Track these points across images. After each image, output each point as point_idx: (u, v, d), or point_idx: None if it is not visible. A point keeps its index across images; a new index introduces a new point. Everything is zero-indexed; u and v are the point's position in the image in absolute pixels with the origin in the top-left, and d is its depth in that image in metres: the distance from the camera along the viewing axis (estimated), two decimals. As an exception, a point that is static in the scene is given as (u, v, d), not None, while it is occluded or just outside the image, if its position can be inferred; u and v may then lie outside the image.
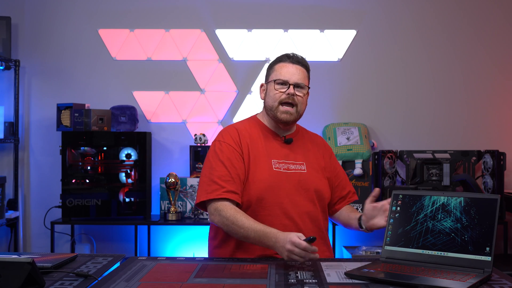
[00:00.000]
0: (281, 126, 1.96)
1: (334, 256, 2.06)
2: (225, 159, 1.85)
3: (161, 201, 3.41)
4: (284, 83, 1.90)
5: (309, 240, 1.54)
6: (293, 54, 1.96)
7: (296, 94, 1.89)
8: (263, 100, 2.00)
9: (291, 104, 1.90)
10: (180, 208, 3.37)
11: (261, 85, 2.01)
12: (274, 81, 1.92)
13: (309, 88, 1.96)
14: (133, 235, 3.36)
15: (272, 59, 2.04)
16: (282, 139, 1.97)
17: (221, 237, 1.89)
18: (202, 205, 1.87)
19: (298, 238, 1.56)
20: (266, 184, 1.85)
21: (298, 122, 2.05)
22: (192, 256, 2.27)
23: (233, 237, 1.81)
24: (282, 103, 1.90)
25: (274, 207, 1.85)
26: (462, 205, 1.54)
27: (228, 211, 1.76)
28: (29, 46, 3.61)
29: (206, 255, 1.99)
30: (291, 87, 1.88)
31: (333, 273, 1.52)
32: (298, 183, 1.89)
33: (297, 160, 1.94)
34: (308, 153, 1.99)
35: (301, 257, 1.55)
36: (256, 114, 2.06)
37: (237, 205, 1.83)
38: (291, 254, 1.57)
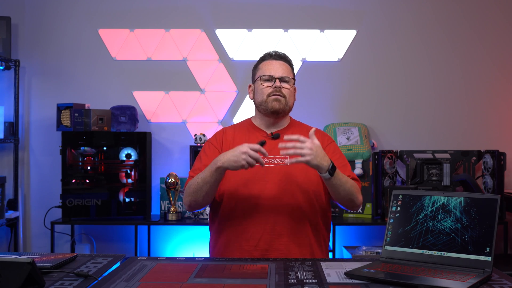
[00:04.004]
0: (272, 119, 1.99)
1: (329, 256, 2.05)
2: (203, 155, 2.00)
3: (161, 201, 3.42)
4: (270, 78, 1.97)
5: (261, 143, 1.78)
6: (275, 51, 2.04)
7: (283, 87, 1.96)
8: (252, 100, 2.05)
9: (279, 96, 1.96)
10: (180, 208, 3.37)
11: (249, 86, 2.08)
12: (260, 77, 1.99)
13: (294, 80, 2.02)
14: (133, 235, 3.36)
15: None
16: (269, 135, 2.00)
17: (223, 241, 1.92)
18: None
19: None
20: (240, 178, 1.90)
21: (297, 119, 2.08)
22: (192, 256, 2.28)
23: (233, 245, 1.86)
24: (270, 96, 1.96)
25: (246, 200, 1.88)
26: (462, 205, 1.54)
27: (189, 182, 1.92)
28: (29, 46, 3.61)
29: (206, 255, 1.99)
30: (277, 80, 1.96)
31: (333, 273, 1.52)
32: (277, 176, 1.90)
33: (280, 154, 1.94)
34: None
35: (254, 158, 1.71)
36: (251, 117, 2.11)
37: None
38: (244, 153, 1.72)
